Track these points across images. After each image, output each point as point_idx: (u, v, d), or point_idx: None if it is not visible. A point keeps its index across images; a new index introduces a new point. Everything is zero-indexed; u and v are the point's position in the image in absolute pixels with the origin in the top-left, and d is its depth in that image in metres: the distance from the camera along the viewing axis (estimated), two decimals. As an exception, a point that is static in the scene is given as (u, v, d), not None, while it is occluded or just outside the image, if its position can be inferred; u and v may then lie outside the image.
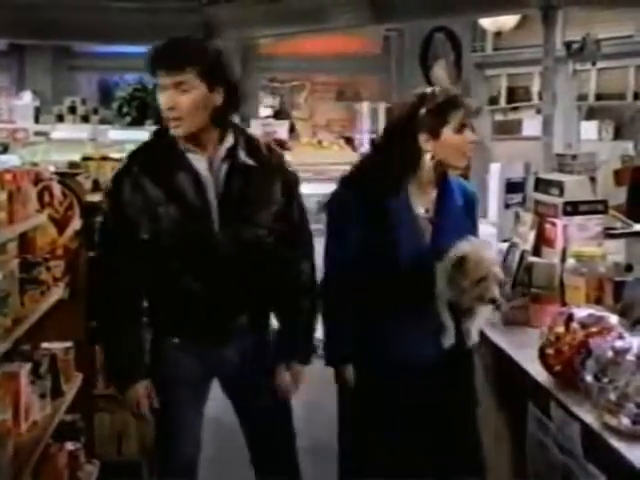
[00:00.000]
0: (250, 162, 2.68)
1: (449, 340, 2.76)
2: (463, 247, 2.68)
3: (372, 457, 2.81)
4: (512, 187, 4.38)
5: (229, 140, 2.68)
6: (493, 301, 2.71)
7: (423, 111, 2.70)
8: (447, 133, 2.69)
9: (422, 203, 2.77)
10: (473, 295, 2.69)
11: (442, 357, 2.76)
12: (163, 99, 2.59)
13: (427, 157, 2.72)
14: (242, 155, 2.68)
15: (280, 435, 2.88)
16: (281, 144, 7.90)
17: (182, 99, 2.57)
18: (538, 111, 8.05)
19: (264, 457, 2.89)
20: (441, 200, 2.78)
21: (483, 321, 2.87)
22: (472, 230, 2.83)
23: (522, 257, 3.23)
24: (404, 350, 2.72)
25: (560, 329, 2.43)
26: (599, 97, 8.74)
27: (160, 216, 2.60)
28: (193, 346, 2.71)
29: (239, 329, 2.74)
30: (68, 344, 3.49)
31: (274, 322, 2.88)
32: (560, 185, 3.36)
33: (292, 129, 8.67)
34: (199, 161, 2.65)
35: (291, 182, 2.78)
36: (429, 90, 2.75)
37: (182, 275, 2.65)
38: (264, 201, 2.69)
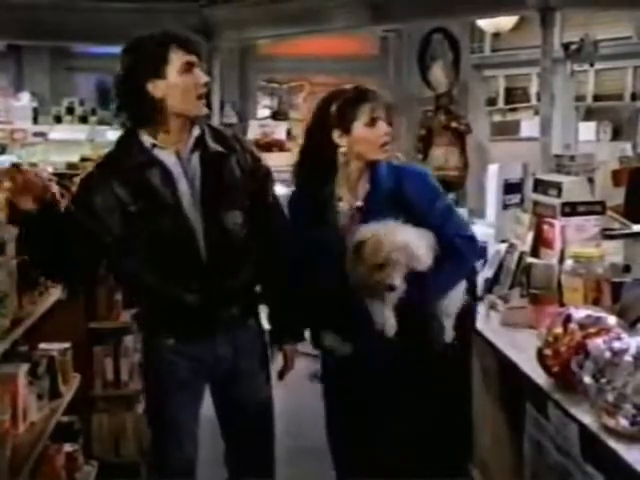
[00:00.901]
0: (220, 149, 2.69)
1: (390, 329, 2.72)
2: (364, 232, 2.66)
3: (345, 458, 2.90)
4: (510, 188, 4.38)
5: (196, 130, 2.68)
6: (391, 288, 2.65)
7: (334, 107, 2.75)
8: (358, 127, 2.73)
9: (352, 197, 2.80)
10: (372, 281, 2.65)
11: (392, 351, 2.72)
12: (198, 74, 2.60)
13: (342, 152, 2.75)
14: (211, 143, 2.68)
15: (262, 433, 2.88)
16: (279, 145, 7.91)
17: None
18: (536, 112, 8.04)
19: (242, 455, 2.87)
20: (370, 191, 2.79)
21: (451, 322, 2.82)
22: (412, 213, 2.74)
23: (520, 258, 3.23)
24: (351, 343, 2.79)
25: (558, 330, 2.43)
26: (597, 98, 8.74)
27: (132, 216, 2.57)
28: (188, 345, 2.70)
29: (231, 321, 2.72)
30: (66, 345, 3.50)
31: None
32: (558, 186, 3.36)
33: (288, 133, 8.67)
34: (167, 155, 2.64)
35: (263, 169, 2.80)
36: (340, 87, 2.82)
37: (167, 273, 2.62)
38: (239, 186, 2.70)
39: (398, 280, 2.65)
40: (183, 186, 2.63)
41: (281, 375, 2.91)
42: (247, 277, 2.75)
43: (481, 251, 3.38)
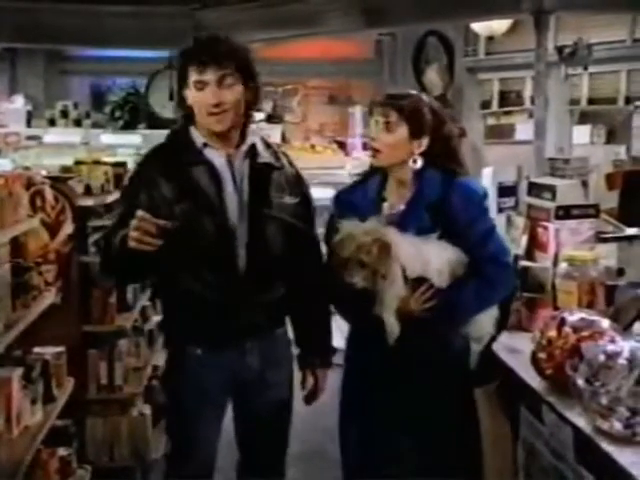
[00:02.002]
0: (271, 160, 2.72)
1: (392, 335, 2.69)
2: (344, 230, 2.66)
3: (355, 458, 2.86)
4: (504, 191, 4.38)
5: (250, 138, 2.71)
6: (351, 286, 2.62)
7: None
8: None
9: (397, 200, 2.81)
10: (338, 277, 2.64)
11: (396, 356, 2.71)
12: (207, 95, 2.59)
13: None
14: (263, 153, 2.71)
15: (279, 445, 2.88)
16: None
17: (226, 94, 2.59)
18: (530, 115, 8.07)
19: (256, 463, 2.86)
20: (414, 197, 2.80)
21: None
22: (452, 227, 2.72)
23: (515, 261, 3.23)
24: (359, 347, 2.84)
25: (552, 333, 2.43)
26: (591, 101, 8.77)
27: (176, 214, 2.54)
28: (216, 355, 2.66)
29: (258, 331, 2.70)
30: (60, 349, 3.48)
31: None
32: (552, 189, 3.36)
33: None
34: (218, 157, 2.65)
35: (304, 182, 2.83)
36: None
37: (202, 276, 2.60)
38: (284, 197, 2.71)
39: (357, 279, 2.62)
40: (230, 189, 2.64)
41: (310, 399, 2.89)
42: (280, 291, 2.74)
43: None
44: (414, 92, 2.85)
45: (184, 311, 2.67)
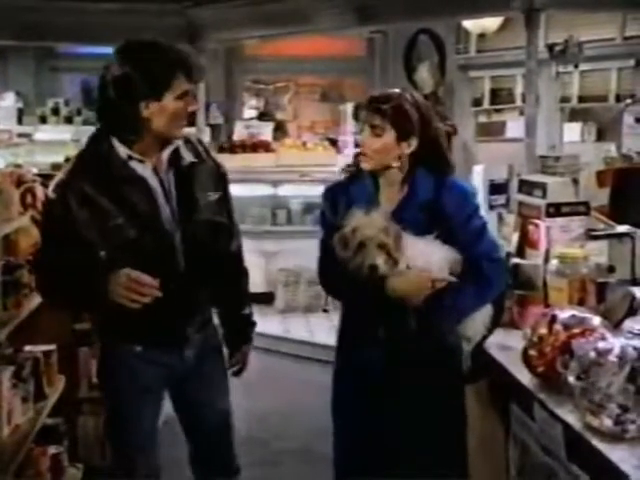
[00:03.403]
0: (193, 159, 2.71)
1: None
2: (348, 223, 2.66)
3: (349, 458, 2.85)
4: (495, 189, 4.39)
5: (172, 145, 2.67)
6: (373, 268, 2.61)
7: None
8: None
9: (389, 202, 2.79)
10: (354, 265, 2.63)
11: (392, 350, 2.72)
12: (190, 102, 2.63)
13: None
14: (185, 154, 2.70)
15: (224, 431, 2.94)
16: (265, 146, 7.91)
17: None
18: (521, 113, 8.07)
19: (206, 452, 2.89)
20: (406, 199, 2.80)
21: None
22: (446, 226, 2.72)
23: (506, 259, 3.23)
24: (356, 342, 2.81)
25: (543, 330, 2.44)
26: (582, 99, 8.79)
27: (113, 230, 2.54)
28: (155, 352, 2.70)
29: (196, 327, 2.78)
30: (51, 347, 3.48)
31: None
32: (543, 187, 3.37)
33: (277, 128, 8.68)
34: (144, 169, 2.62)
35: (224, 174, 2.85)
36: None
37: None
38: (209, 195, 2.74)
39: (380, 261, 2.61)
40: (161, 200, 2.64)
41: (238, 373, 3.00)
42: (215, 283, 2.80)
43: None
44: (397, 91, 2.77)
45: (124, 312, 2.58)
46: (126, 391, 2.73)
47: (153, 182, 2.63)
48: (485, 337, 2.84)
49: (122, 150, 2.59)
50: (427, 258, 2.68)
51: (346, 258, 2.64)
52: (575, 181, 3.82)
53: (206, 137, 7.78)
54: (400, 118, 2.69)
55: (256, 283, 3.68)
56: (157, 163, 2.64)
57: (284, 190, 7.69)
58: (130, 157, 2.60)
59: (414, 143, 2.73)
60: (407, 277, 2.66)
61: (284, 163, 7.57)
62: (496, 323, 2.89)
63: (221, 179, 2.82)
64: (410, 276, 2.66)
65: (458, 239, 2.72)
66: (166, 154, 2.66)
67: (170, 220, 2.64)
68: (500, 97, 9.46)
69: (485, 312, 2.82)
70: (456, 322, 2.77)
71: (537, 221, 3.29)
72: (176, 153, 2.68)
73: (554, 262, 3.06)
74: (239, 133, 8.35)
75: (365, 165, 2.78)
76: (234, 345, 2.96)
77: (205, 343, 2.83)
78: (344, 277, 2.68)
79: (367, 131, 2.72)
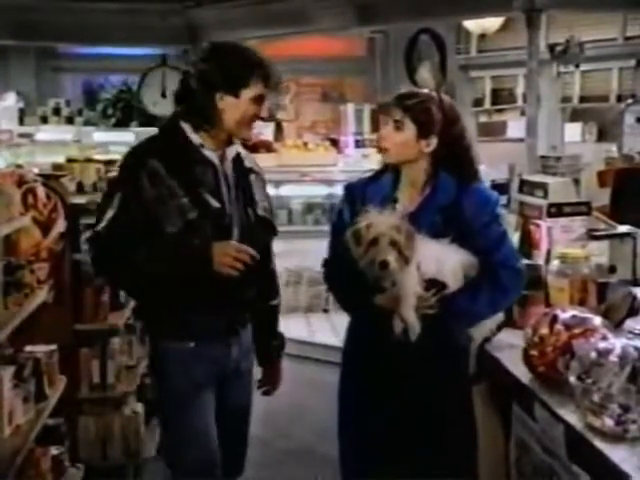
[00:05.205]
0: (253, 166, 2.87)
1: (414, 332, 2.66)
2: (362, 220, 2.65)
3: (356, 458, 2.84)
4: (497, 188, 4.38)
5: (237, 143, 2.82)
6: (384, 265, 2.59)
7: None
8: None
9: (409, 202, 2.77)
10: (366, 261, 2.61)
11: (401, 350, 2.68)
12: (262, 109, 2.76)
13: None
14: (246, 159, 2.84)
15: (244, 431, 2.97)
16: (267, 146, 7.91)
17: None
18: (522, 113, 8.08)
19: (225, 454, 2.87)
20: (426, 200, 2.78)
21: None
22: (465, 231, 2.70)
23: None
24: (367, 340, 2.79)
25: (544, 330, 2.43)
26: (583, 99, 8.80)
27: (183, 208, 2.61)
28: (207, 348, 2.74)
29: (242, 323, 2.85)
30: (52, 347, 3.48)
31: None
32: (544, 187, 3.37)
33: (278, 128, 8.67)
34: (213, 157, 2.73)
35: (266, 183, 2.97)
36: None
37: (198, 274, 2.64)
38: (264, 199, 2.87)
39: (391, 257, 2.59)
40: (224, 189, 2.73)
41: (269, 392, 3.06)
42: (259, 284, 2.88)
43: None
44: (425, 91, 2.82)
45: (177, 307, 2.69)
46: (182, 388, 2.74)
47: (220, 169, 2.74)
48: (487, 339, 2.84)
49: (194, 137, 2.71)
50: (440, 260, 2.67)
51: (358, 254, 2.63)
52: (576, 181, 3.83)
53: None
54: (422, 115, 2.71)
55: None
56: (222, 158, 2.76)
57: (285, 190, 7.69)
58: (202, 145, 2.71)
59: (434, 142, 2.72)
60: (391, 295, 2.66)
61: (285, 163, 7.58)
62: (501, 327, 2.88)
63: (266, 187, 2.93)
64: (414, 284, 2.65)
65: (476, 245, 2.69)
66: (231, 152, 2.78)
67: (231, 209, 2.72)
68: (501, 97, 9.47)
69: (496, 318, 2.82)
70: (467, 326, 2.76)
71: (538, 221, 3.30)
72: (238, 155, 2.81)
73: (555, 262, 3.06)
74: (240, 133, 8.35)
75: (386, 157, 2.80)
76: (264, 358, 3.02)
77: (246, 340, 2.88)
78: (350, 280, 2.68)
79: (390, 125, 2.75)
